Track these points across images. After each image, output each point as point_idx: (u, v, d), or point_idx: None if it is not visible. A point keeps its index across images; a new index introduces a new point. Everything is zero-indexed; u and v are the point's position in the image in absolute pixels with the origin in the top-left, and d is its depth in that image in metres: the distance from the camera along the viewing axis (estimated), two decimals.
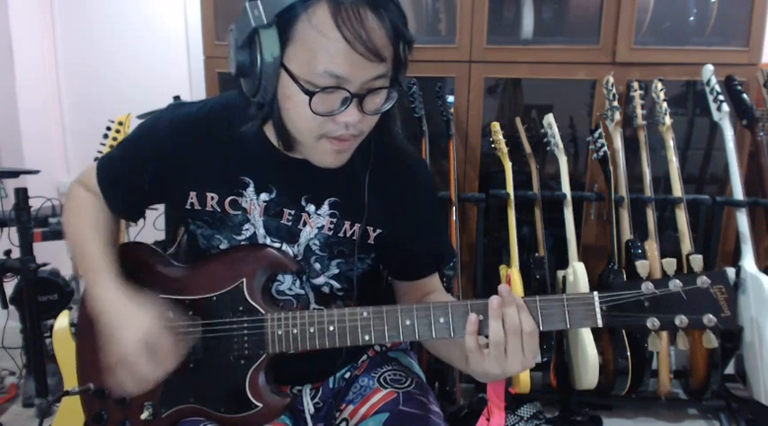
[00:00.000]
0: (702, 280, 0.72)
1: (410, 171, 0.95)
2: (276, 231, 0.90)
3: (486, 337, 0.76)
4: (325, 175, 0.87)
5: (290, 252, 0.90)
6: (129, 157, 0.94)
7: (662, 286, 0.73)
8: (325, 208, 0.90)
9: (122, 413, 0.95)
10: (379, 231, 0.92)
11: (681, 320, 0.72)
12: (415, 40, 0.80)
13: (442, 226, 1.04)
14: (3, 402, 2.06)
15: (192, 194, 0.90)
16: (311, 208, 0.90)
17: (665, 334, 1.90)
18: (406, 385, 0.95)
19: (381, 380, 0.97)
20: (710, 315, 0.72)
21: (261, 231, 0.90)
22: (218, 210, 0.90)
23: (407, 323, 0.80)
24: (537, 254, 1.97)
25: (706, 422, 1.97)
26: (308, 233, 0.90)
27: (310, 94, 0.73)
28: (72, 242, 0.97)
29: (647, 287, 0.73)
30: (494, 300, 0.76)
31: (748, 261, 1.90)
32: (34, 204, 1.84)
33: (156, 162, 0.89)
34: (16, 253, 1.82)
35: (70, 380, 1.43)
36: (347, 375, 1.02)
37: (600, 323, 0.74)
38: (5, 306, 1.99)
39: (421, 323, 0.79)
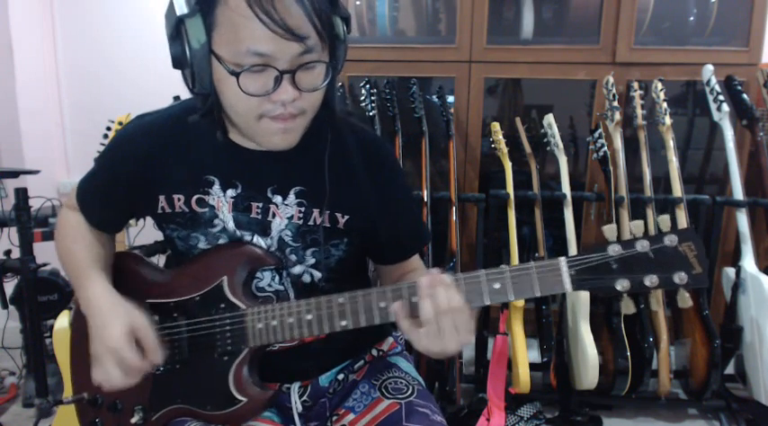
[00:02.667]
0: (670, 239, 0.71)
1: (372, 152, 0.95)
2: (247, 225, 0.91)
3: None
4: (288, 165, 0.89)
5: (263, 244, 0.91)
6: (101, 171, 0.98)
7: (629, 247, 0.72)
8: (291, 197, 0.90)
9: (115, 419, 0.96)
10: (347, 217, 0.92)
11: (651, 280, 0.71)
12: (348, 15, 0.82)
13: (413, 206, 1.04)
14: (3, 402, 2.06)
15: (161, 198, 0.91)
16: (278, 198, 0.90)
17: (665, 334, 1.90)
18: (407, 394, 0.95)
19: (383, 389, 0.96)
20: (682, 273, 0.70)
21: (230, 225, 0.91)
22: (187, 210, 0.91)
23: (382, 305, 0.80)
24: (537, 254, 1.97)
25: (706, 422, 1.96)
26: (278, 224, 0.91)
27: (236, 74, 0.75)
28: (61, 258, 1.00)
29: (613, 249, 0.72)
30: (423, 281, 0.77)
31: (748, 261, 1.90)
32: (34, 204, 1.84)
33: (125, 171, 0.92)
34: (16, 253, 1.82)
35: (70, 381, 1.43)
36: (340, 376, 1.01)
37: (569, 289, 0.74)
38: (5, 306, 1.99)
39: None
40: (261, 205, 0.90)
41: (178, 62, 0.79)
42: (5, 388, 2.13)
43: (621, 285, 0.72)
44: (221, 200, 0.90)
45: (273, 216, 0.90)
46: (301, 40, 0.74)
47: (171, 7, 0.76)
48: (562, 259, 0.75)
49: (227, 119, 0.86)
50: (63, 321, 1.49)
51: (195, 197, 0.90)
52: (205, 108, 0.82)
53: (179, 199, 0.91)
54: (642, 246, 0.72)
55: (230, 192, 0.90)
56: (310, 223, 0.91)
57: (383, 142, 0.99)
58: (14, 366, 2.15)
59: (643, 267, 0.72)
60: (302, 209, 0.90)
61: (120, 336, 0.83)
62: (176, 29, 0.76)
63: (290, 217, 0.91)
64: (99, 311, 0.88)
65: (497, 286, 0.76)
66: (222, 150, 0.89)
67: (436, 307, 0.75)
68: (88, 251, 0.97)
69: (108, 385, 0.85)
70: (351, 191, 0.92)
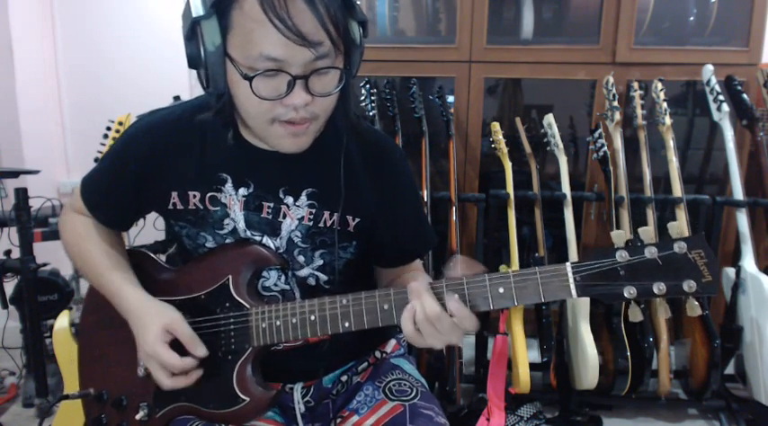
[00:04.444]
0: (680, 246, 0.69)
1: (385, 156, 0.95)
2: (258, 225, 0.91)
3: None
4: (300, 166, 0.89)
5: (272, 245, 0.91)
6: (110, 167, 0.97)
7: (637, 253, 0.70)
8: (303, 198, 0.90)
9: (119, 416, 0.96)
10: (358, 220, 0.92)
11: (659, 288, 0.69)
12: (365, 19, 0.81)
13: (422, 210, 1.04)
14: (3, 402, 2.06)
15: (174, 194, 0.91)
16: (289, 199, 0.90)
17: (665, 334, 1.90)
18: (411, 396, 0.95)
19: (387, 391, 0.97)
20: (691, 281, 0.69)
21: (241, 225, 0.91)
22: (201, 207, 0.91)
23: (385, 307, 0.80)
24: (537, 254, 1.97)
25: (706, 422, 1.96)
26: (288, 225, 0.91)
27: (249, 79, 0.75)
28: (78, 264, 1.00)
29: (621, 255, 0.71)
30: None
31: (748, 262, 1.90)
32: (34, 204, 1.84)
33: (135, 166, 0.91)
34: (16, 253, 1.82)
35: (70, 381, 1.43)
36: (344, 377, 1.01)
37: (574, 295, 0.72)
38: (5, 306, 1.99)
39: (398, 307, 0.79)
40: (272, 205, 0.90)
41: (193, 62, 0.79)
42: (5, 388, 2.13)
43: (629, 292, 0.70)
44: (233, 199, 0.90)
45: (284, 216, 0.90)
46: (314, 47, 0.74)
47: (187, 8, 0.76)
48: (568, 264, 0.73)
49: (240, 120, 0.86)
50: (63, 321, 1.50)
51: (209, 194, 0.90)
52: (217, 107, 0.82)
53: (194, 196, 0.91)
54: (651, 253, 0.70)
55: (242, 191, 0.90)
56: (320, 225, 0.91)
57: (392, 145, 0.98)
58: (14, 366, 2.15)
59: (651, 274, 0.70)
60: (313, 211, 0.91)
61: (155, 340, 0.85)
62: (192, 30, 0.76)
63: (301, 219, 0.91)
64: (134, 317, 0.90)
65: (501, 290, 0.76)
66: (235, 149, 0.89)
67: (416, 320, 0.77)
68: (106, 253, 0.97)
69: (165, 388, 0.87)
70: (361, 194, 0.92)
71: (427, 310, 0.76)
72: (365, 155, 0.93)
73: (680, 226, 0.72)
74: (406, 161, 0.99)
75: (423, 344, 0.79)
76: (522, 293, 0.75)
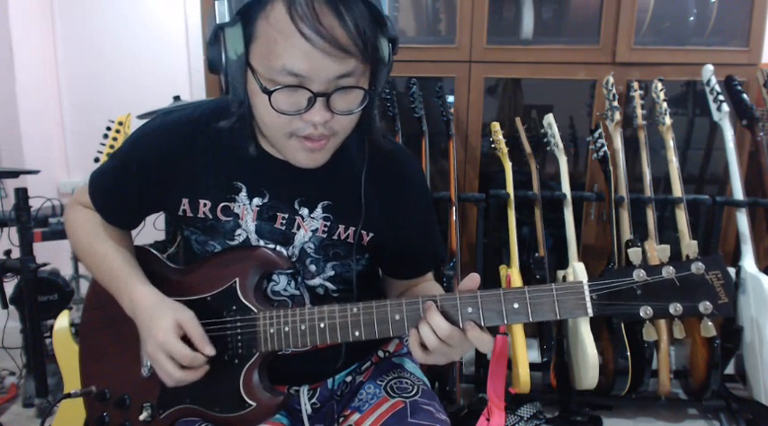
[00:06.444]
0: (697, 266, 0.69)
1: (401, 171, 0.94)
2: (270, 234, 0.90)
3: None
4: (317, 178, 0.87)
5: (285, 253, 0.90)
6: (119, 167, 0.94)
7: (654, 273, 0.70)
8: (318, 211, 0.90)
9: (122, 415, 0.96)
10: (372, 235, 0.92)
11: (675, 308, 0.70)
12: (396, 36, 0.79)
13: (434, 225, 1.03)
14: (3, 402, 2.06)
15: (185, 201, 0.90)
16: (305, 211, 0.89)
17: (665, 334, 1.90)
18: (412, 393, 0.95)
19: (388, 388, 0.96)
20: (707, 303, 0.69)
21: (253, 236, 0.90)
22: (211, 217, 0.89)
23: (397, 317, 0.79)
24: (537, 254, 1.97)
25: (706, 422, 1.96)
26: (302, 236, 0.90)
27: (268, 92, 0.73)
28: (84, 259, 0.99)
29: (638, 274, 0.70)
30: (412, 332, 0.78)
31: (748, 261, 1.90)
32: (34, 204, 1.84)
33: (146, 168, 0.89)
34: (16, 253, 1.82)
35: (70, 380, 1.43)
36: (348, 378, 1.01)
37: (590, 313, 0.72)
38: (5, 306, 1.99)
39: (410, 318, 0.79)
40: (287, 216, 0.89)
41: (214, 68, 0.77)
42: (5, 388, 2.13)
43: (645, 311, 0.70)
44: (246, 208, 0.89)
45: (298, 228, 0.90)
46: (340, 63, 0.72)
47: (212, 13, 0.74)
48: (584, 282, 0.72)
49: (258, 129, 0.85)
50: (63, 321, 1.50)
51: (221, 204, 0.89)
52: (237, 114, 0.81)
53: (205, 205, 0.89)
54: (668, 272, 0.70)
55: (256, 201, 0.89)
56: (334, 237, 0.90)
57: (407, 159, 0.97)
58: (14, 366, 2.15)
59: (668, 294, 0.70)
60: (328, 224, 0.90)
61: (167, 330, 0.83)
62: (215, 36, 0.75)
63: (315, 230, 0.90)
64: (145, 311, 0.87)
65: (516, 306, 0.75)
66: (252, 157, 0.87)
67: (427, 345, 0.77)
68: (116, 250, 0.95)
69: (170, 381, 0.85)
70: (374, 210, 0.91)
71: (438, 332, 0.75)
72: (379, 169, 0.91)
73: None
74: (421, 176, 0.98)
75: (439, 362, 0.79)
76: (537, 310, 0.74)
